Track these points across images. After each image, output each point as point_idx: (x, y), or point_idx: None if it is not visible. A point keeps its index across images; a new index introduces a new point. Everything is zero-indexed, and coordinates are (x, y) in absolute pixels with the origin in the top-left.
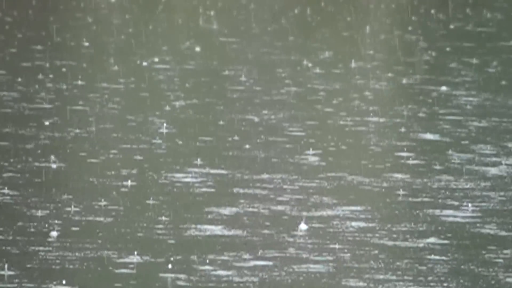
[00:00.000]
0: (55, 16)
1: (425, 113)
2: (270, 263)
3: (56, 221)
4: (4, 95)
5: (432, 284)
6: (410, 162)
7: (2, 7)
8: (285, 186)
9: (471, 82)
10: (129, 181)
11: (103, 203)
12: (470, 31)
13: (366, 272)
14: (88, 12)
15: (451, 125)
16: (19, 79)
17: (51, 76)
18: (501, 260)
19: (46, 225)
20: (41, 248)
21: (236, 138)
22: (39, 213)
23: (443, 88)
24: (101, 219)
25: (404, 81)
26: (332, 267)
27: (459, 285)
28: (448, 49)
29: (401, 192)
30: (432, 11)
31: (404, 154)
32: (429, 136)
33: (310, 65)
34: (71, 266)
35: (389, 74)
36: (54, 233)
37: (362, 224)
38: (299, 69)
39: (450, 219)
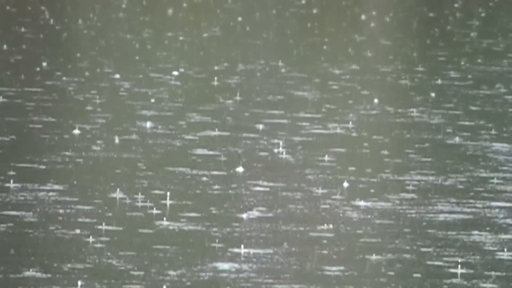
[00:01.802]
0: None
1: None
2: (272, 265)
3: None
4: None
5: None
6: (417, 163)
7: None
8: (290, 189)
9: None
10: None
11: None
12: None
13: (380, 276)
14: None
15: (454, 126)
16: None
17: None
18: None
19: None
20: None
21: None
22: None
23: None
24: (105, 221)
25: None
26: (343, 271)
27: None
28: (443, 57)
29: (409, 194)
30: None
31: (412, 156)
32: (431, 136)
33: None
34: (82, 274)
35: (389, 78)
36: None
37: (368, 227)
38: (303, 74)
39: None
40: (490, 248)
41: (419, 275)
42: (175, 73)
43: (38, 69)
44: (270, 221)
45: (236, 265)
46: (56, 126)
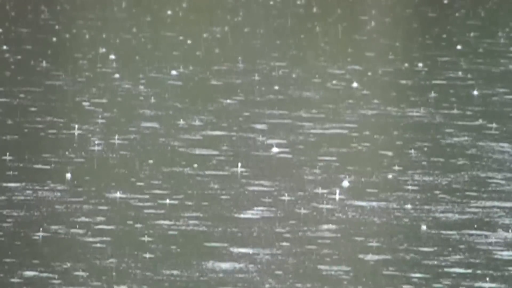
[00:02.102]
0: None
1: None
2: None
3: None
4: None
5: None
6: (418, 163)
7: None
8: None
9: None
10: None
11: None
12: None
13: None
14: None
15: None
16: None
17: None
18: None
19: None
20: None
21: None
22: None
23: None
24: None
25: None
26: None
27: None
28: (444, 57)
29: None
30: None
31: (414, 156)
32: (432, 136)
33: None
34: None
35: (386, 78)
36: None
37: (368, 227)
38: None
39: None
40: (490, 248)
41: (419, 275)
42: (175, 72)
43: (38, 69)
44: (270, 221)
45: (236, 265)
46: (56, 126)
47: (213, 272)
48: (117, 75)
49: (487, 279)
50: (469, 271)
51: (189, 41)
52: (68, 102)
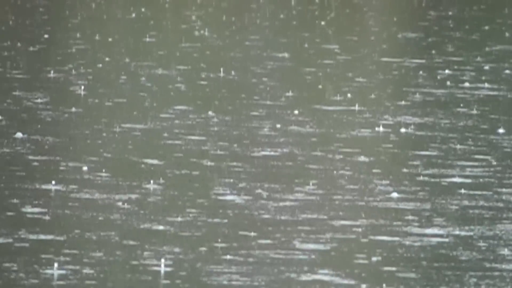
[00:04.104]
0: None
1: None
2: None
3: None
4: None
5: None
6: (420, 163)
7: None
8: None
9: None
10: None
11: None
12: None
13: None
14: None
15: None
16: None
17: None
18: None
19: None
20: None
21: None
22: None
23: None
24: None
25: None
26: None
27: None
28: (446, 56)
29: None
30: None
31: (414, 163)
32: (438, 134)
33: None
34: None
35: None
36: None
37: (370, 228)
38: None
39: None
40: (491, 247)
41: (419, 275)
42: (175, 72)
43: (37, 68)
44: (271, 222)
45: (237, 265)
46: (55, 125)
47: (213, 272)
48: (118, 75)
49: (490, 278)
50: (471, 271)
51: (189, 40)
52: (69, 103)
